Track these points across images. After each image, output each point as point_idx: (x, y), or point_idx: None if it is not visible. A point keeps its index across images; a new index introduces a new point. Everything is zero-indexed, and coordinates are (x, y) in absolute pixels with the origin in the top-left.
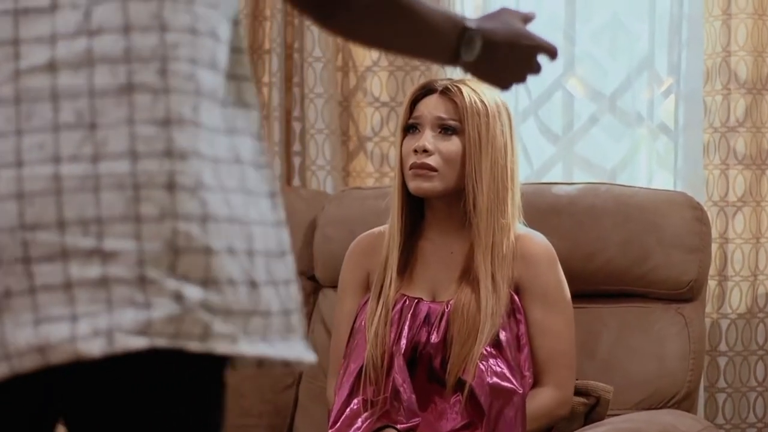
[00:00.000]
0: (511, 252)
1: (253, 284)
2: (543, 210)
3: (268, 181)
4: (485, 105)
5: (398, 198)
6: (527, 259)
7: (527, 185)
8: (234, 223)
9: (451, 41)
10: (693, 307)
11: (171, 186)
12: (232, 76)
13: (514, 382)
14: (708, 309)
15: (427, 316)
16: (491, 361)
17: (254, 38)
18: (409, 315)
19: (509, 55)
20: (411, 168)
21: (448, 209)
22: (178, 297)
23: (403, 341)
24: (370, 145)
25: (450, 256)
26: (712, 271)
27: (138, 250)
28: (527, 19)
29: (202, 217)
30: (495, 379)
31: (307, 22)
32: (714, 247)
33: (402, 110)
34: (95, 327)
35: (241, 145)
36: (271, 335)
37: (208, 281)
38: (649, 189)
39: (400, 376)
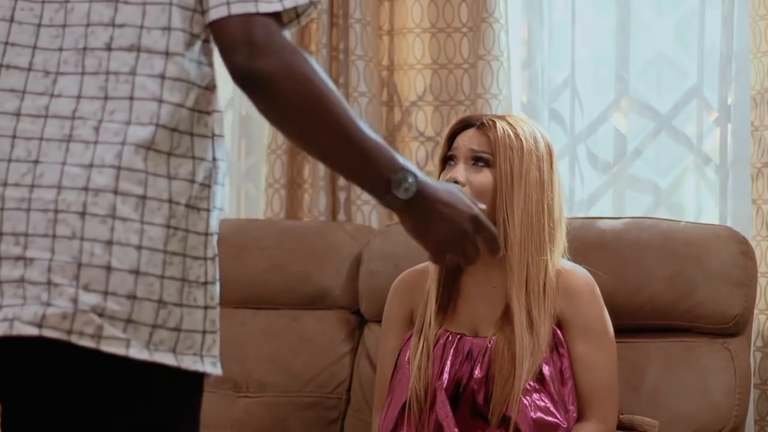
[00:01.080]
0: (551, 287)
1: (162, 303)
2: (588, 244)
3: (204, 222)
4: (520, 139)
5: None
6: (569, 294)
7: (572, 219)
8: (146, 250)
9: (384, 173)
10: (739, 341)
11: (83, 213)
12: (185, 132)
13: (558, 416)
14: (758, 343)
15: (470, 351)
16: (535, 395)
17: None
18: (452, 350)
19: (443, 218)
20: None
21: None
22: (74, 300)
23: (446, 376)
24: None
25: (492, 291)
26: (761, 304)
27: (50, 260)
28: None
29: (107, 241)
30: (539, 414)
31: (353, 57)
32: (764, 281)
33: (441, 143)
34: (5, 315)
35: (178, 188)
36: (180, 349)
37: (107, 293)
38: (695, 223)
39: (442, 411)
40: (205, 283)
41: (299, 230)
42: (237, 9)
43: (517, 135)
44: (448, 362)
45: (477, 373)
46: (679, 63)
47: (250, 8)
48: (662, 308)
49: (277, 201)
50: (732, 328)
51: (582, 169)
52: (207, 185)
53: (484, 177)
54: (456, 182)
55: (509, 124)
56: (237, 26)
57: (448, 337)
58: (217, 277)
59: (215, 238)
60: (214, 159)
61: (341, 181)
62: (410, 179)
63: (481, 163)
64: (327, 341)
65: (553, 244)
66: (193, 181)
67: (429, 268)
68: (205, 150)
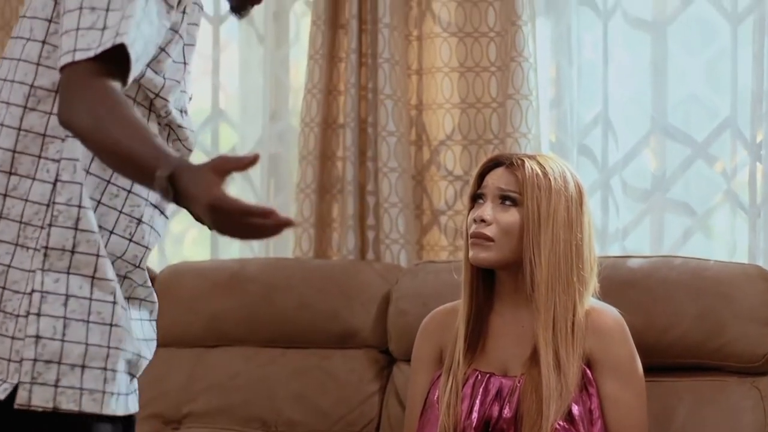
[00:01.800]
0: (579, 327)
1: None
2: (618, 283)
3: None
4: (548, 179)
5: (467, 270)
6: (598, 333)
7: (603, 258)
8: None
9: (153, 184)
10: None
11: None
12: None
13: None
14: None
15: (499, 391)
16: None
17: (328, 112)
18: (481, 389)
19: (196, 212)
20: (470, 237)
21: (515, 282)
22: None
23: (475, 415)
24: (443, 219)
25: (521, 330)
26: None
27: None
28: (243, 165)
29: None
30: None
31: (381, 97)
32: None
33: (471, 181)
34: None
35: (5, 227)
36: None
37: None
38: (723, 262)
39: None
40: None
41: (328, 269)
42: (63, 61)
43: (545, 174)
44: (477, 401)
45: (506, 412)
46: (711, 101)
47: (68, 59)
48: (691, 347)
49: (306, 240)
50: (762, 367)
51: (617, 200)
52: (39, 227)
53: (512, 216)
54: (483, 221)
55: (538, 163)
56: (62, 78)
57: (477, 376)
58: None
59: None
60: (54, 203)
61: (370, 220)
62: (165, 184)
63: (508, 202)
64: (356, 380)
65: (581, 284)
66: (20, 222)
67: (458, 307)
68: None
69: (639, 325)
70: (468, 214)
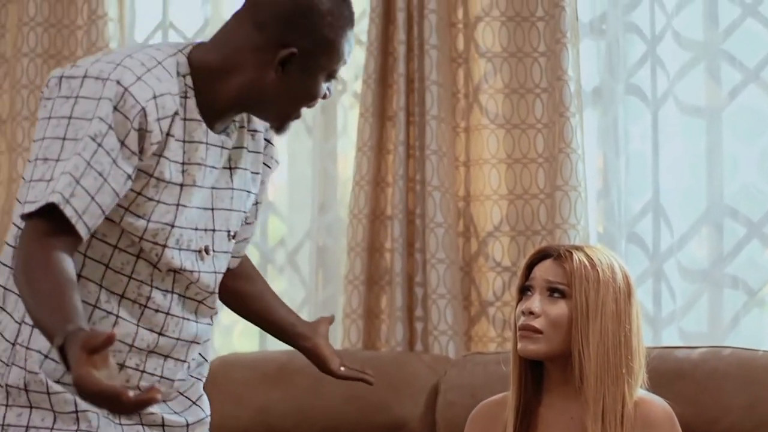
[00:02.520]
0: (628, 418)
1: None
2: (665, 375)
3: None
4: (596, 271)
5: (515, 362)
6: (648, 424)
7: (650, 349)
8: None
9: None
10: None
11: None
12: None
13: None
14: None
15: None
16: None
17: (376, 204)
18: None
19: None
20: (519, 329)
21: (563, 374)
22: None
23: None
24: (492, 310)
25: (570, 421)
26: None
27: None
28: (99, 345)
29: None
30: None
31: (429, 188)
32: None
33: (519, 273)
34: None
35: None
36: None
37: None
38: None
39: None
40: None
41: (377, 361)
42: (18, 212)
43: (593, 266)
44: None
45: None
46: (765, 190)
47: (20, 210)
48: None
49: (355, 331)
50: None
51: (671, 284)
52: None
53: (560, 309)
54: (531, 313)
55: (586, 255)
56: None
57: None
58: None
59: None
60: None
61: (419, 311)
62: (58, 354)
63: (557, 295)
64: None
65: (630, 375)
66: None
67: (507, 398)
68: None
69: (688, 416)
70: (516, 306)
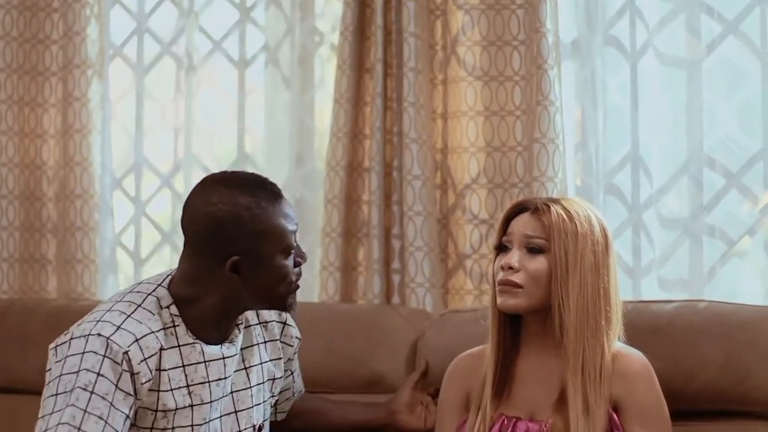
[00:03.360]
0: (607, 371)
1: None
2: (642, 329)
3: None
4: (575, 223)
5: (494, 316)
6: (625, 378)
7: (625, 303)
8: None
9: None
10: None
11: None
12: None
13: None
14: None
15: None
16: None
17: (354, 156)
18: None
19: None
20: (498, 284)
21: (542, 327)
22: None
23: None
24: (469, 263)
25: (548, 374)
26: None
27: None
28: None
29: None
30: None
31: (406, 140)
32: None
33: (496, 228)
34: None
35: None
36: None
37: None
38: (748, 305)
39: None
40: None
41: (355, 314)
42: None
43: (571, 219)
44: None
45: None
46: (744, 143)
47: None
48: (717, 392)
49: (332, 284)
50: None
51: (651, 233)
52: None
53: (539, 263)
54: (510, 268)
55: (564, 207)
56: None
57: (504, 420)
58: None
59: None
60: None
61: (396, 264)
62: None
63: (535, 249)
64: None
65: (609, 327)
66: None
67: (484, 351)
68: None
69: (665, 372)
70: (494, 260)
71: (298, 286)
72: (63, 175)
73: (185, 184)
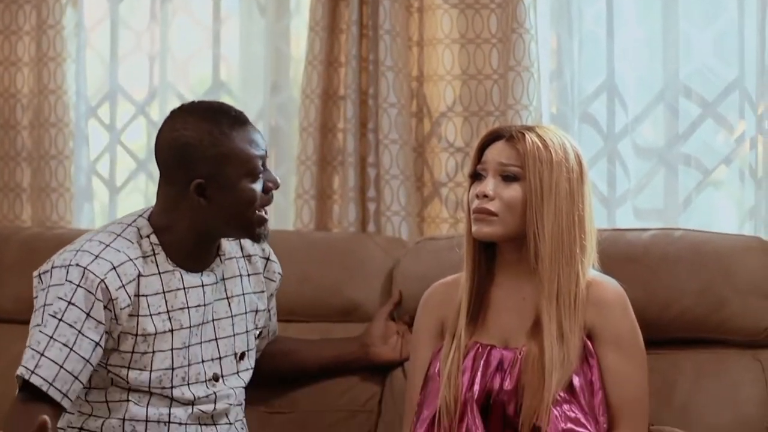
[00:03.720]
0: (581, 298)
1: None
2: (617, 258)
3: None
4: (549, 151)
5: (469, 244)
6: (600, 305)
7: (600, 231)
8: None
9: None
10: None
11: None
12: None
13: (589, 427)
14: None
15: (500, 363)
16: (565, 406)
17: (329, 84)
18: (482, 362)
19: None
20: (473, 213)
21: (517, 255)
22: None
23: (476, 388)
24: (444, 191)
25: (522, 302)
26: None
27: None
28: None
29: None
30: (569, 425)
31: (382, 68)
32: None
33: (471, 155)
34: None
35: None
36: None
37: None
38: (724, 234)
39: (473, 423)
40: None
41: (330, 242)
42: None
43: (546, 146)
44: (479, 374)
45: (507, 384)
46: (720, 72)
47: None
48: (692, 322)
49: (307, 212)
50: (763, 340)
51: (626, 163)
52: None
53: (514, 191)
54: (485, 196)
55: (538, 135)
56: None
57: (478, 348)
58: None
59: None
60: None
61: (371, 192)
62: None
63: (510, 177)
64: None
65: (583, 255)
66: None
67: (459, 279)
68: None
69: (639, 300)
70: (469, 189)
71: (265, 219)
72: (37, 104)
73: (160, 112)
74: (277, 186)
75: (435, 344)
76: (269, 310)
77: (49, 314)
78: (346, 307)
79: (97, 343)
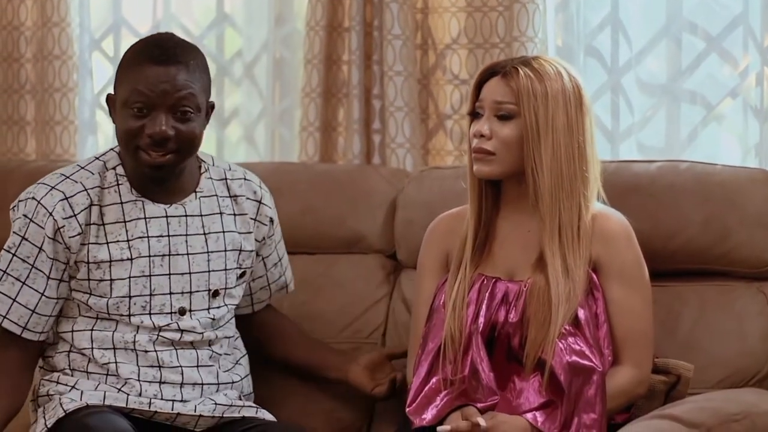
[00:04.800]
0: (585, 231)
1: None
2: (622, 189)
3: None
4: (544, 84)
5: (472, 180)
6: (604, 238)
7: (606, 163)
8: None
9: None
10: None
11: None
12: None
13: (594, 360)
14: None
15: (505, 295)
16: (570, 339)
17: (334, 16)
18: (487, 294)
19: None
20: (473, 152)
21: (519, 190)
22: None
23: (481, 320)
24: (449, 123)
25: (527, 234)
26: None
27: None
28: None
29: None
30: (574, 357)
31: (387, 0)
32: None
33: (469, 94)
34: None
35: None
36: None
37: None
38: (730, 166)
39: (478, 355)
40: None
41: (334, 174)
42: None
43: (541, 80)
44: (484, 306)
45: (512, 316)
46: (725, 6)
47: None
48: (697, 253)
49: (312, 144)
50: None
51: (630, 98)
52: None
53: (510, 129)
54: (482, 136)
55: (533, 69)
56: None
57: (483, 280)
58: None
59: None
60: None
61: (376, 124)
62: None
63: (505, 115)
64: (362, 286)
65: (585, 187)
66: None
67: (464, 212)
68: None
69: (644, 231)
70: (469, 126)
71: (149, 161)
72: (41, 36)
73: None
74: (154, 137)
75: (440, 276)
76: (264, 258)
77: (5, 249)
78: (350, 238)
79: (49, 276)
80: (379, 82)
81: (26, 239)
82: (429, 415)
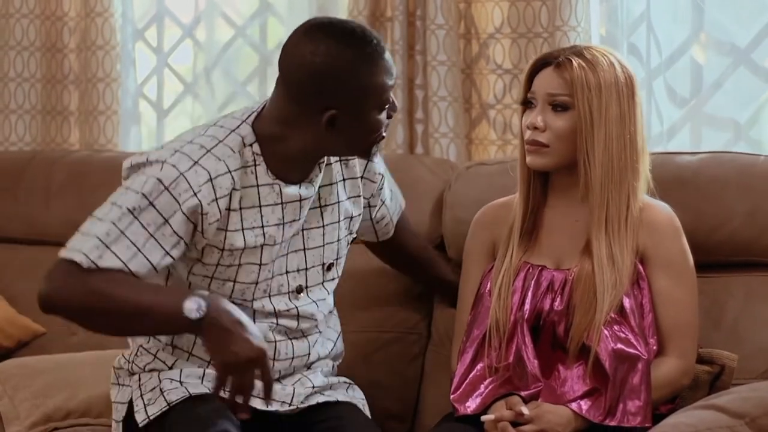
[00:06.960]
0: (633, 221)
1: None
2: (667, 181)
3: None
4: (597, 75)
5: (523, 170)
6: (652, 229)
7: (652, 156)
8: None
9: (174, 306)
10: None
11: None
12: None
13: (639, 348)
14: None
15: (551, 283)
16: (615, 327)
17: (376, 6)
18: (533, 282)
19: (239, 337)
20: (526, 144)
21: (569, 180)
22: None
23: (527, 308)
24: (492, 113)
25: (575, 224)
26: None
27: None
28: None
29: None
30: (619, 345)
31: None
32: None
33: (521, 82)
34: None
35: None
36: None
37: None
38: None
39: (523, 342)
40: None
41: None
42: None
43: (594, 70)
44: (529, 294)
45: (558, 304)
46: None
47: (61, 254)
48: (742, 244)
49: None
50: None
51: (659, 103)
52: None
53: (564, 121)
54: (535, 128)
55: (586, 59)
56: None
57: (529, 269)
58: None
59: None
60: None
61: (419, 114)
62: (202, 302)
63: (559, 107)
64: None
65: (635, 177)
66: None
67: (511, 201)
68: None
69: (689, 223)
70: (521, 116)
71: (383, 137)
72: (84, 26)
73: (207, 35)
74: (395, 111)
75: (486, 264)
76: (384, 202)
77: (128, 208)
78: None
79: (168, 253)
80: (422, 71)
81: (153, 206)
82: (473, 404)
